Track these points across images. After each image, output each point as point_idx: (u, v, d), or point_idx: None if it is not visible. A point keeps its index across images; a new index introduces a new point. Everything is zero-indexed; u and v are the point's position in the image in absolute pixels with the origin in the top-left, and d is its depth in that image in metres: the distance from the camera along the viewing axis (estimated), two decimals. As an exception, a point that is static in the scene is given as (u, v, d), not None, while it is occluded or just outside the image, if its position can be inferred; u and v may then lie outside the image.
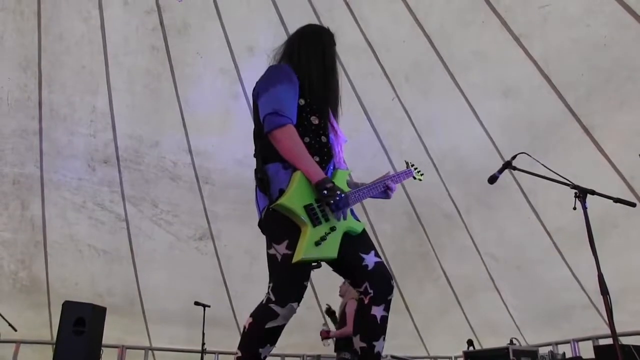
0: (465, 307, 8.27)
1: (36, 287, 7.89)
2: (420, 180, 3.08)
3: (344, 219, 2.39)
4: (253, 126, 2.59)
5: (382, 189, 2.71)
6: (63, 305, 6.26)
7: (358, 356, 2.39)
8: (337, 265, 2.49)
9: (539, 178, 3.18)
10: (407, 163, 3.08)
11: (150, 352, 8.17)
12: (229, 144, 7.84)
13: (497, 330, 7.78)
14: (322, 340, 5.85)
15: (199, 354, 6.92)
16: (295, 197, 2.29)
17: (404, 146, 7.61)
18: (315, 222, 2.28)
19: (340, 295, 6.02)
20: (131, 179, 7.99)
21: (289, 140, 2.35)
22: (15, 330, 5.94)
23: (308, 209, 2.30)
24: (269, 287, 2.31)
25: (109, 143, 7.75)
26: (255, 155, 2.55)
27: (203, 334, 6.81)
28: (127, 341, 7.92)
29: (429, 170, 7.37)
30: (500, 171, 3.24)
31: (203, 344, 6.81)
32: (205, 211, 8.26)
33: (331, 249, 2.31)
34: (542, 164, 3.24)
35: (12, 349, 7.23)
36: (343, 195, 2.33)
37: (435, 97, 7.23)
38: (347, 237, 2.40)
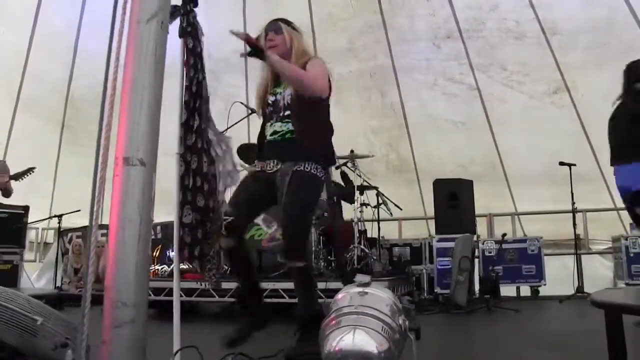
0: None
1: (405, 167, 8.75)
2: None
3: None
4: None
5: None
6: (434, 183, 6.84)
7: None
8: None
9: None
10: None
11: (516, 217, 8.36)
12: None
13: None
14: None
15: (564, 214, 6.94)
16: None
17: None
18: None
19: None
20: (476, 48, 7.99)
21: None
22: (401, 209, 6.69)
23: None
24: None
25: (448, 18, 7.81)
26: None
27: (572, 194, 6.72)
28: (493, 207, 8.26)
29: None
30: None
31: (573, 203, 6.74)
32: (557, 63, 7.77)
33: None
34: None
35: (396, 225, 8.28)
36: None
37: None
38: None
